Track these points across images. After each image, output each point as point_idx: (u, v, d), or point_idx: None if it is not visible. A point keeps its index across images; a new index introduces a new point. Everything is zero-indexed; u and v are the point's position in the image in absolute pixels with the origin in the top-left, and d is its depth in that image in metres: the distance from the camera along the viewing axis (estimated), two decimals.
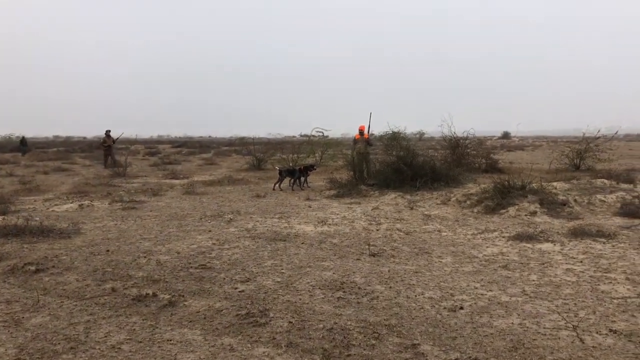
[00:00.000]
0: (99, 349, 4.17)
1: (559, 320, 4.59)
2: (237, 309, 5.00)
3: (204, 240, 8.16)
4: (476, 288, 5.59)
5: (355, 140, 16.35)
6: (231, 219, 10.18)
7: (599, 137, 21.90)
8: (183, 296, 5.43)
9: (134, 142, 35.55)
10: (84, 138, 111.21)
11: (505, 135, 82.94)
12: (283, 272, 6.29)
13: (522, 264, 6.58)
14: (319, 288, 5.65)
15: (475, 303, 5.11)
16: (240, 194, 14.65)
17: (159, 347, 4.20)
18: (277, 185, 15.65)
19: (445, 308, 4.99)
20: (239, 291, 5.58)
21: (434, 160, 15.22)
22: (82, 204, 12.21)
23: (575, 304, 5.04)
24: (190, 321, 4.75)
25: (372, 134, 18.95)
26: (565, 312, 4.79)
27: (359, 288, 5.63)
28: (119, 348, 4.18)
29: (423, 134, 62.00)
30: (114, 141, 24.29)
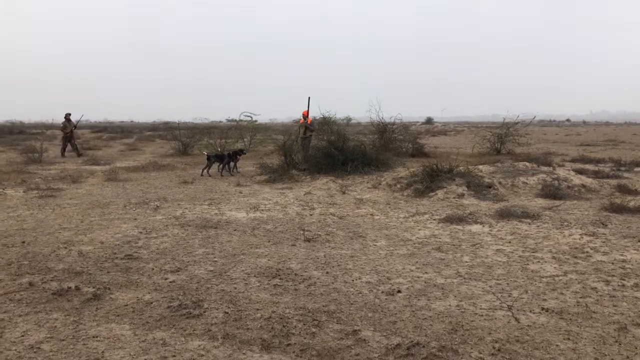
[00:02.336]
0: (16, 349, 3.80)
1: (494, 301, 4.66)
2: (169, 301, 4.73)
3: (129, 229, 7.75)
4: (412, 271, 5.61)
5: (300, 125, 16.87)
6: (158, 206, 9.75)
7: (517, 123, 22.91)
8: (109, 289, 5.09)
9: (50, 126, 33.51)
10: None
11: (429, 121, 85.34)
12: (216, 261, 6.05)
13: (454, 245, 6.69)
14: (255, 276, 5.47)
15: (412, 286, 5.12)
16: (167, 180, 14.11)
17: (84, 344, 3.89)
18: (205, 170, 15.20)
19: (383, 292, 4.95)
20: (170, 282, 5.30)
21: (365, 145, 15.34)
22: None
23: (507, 284, 5.15)
24: (118, 315, 4.45)
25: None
26: (500, 292, 4.88)
27: (296, 274, 5.50)
28: (39, 348, 3.83)
29: (350, 119, 62.52)
30: (75, 126, 22.57)
